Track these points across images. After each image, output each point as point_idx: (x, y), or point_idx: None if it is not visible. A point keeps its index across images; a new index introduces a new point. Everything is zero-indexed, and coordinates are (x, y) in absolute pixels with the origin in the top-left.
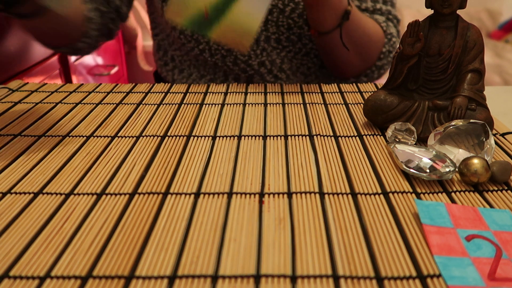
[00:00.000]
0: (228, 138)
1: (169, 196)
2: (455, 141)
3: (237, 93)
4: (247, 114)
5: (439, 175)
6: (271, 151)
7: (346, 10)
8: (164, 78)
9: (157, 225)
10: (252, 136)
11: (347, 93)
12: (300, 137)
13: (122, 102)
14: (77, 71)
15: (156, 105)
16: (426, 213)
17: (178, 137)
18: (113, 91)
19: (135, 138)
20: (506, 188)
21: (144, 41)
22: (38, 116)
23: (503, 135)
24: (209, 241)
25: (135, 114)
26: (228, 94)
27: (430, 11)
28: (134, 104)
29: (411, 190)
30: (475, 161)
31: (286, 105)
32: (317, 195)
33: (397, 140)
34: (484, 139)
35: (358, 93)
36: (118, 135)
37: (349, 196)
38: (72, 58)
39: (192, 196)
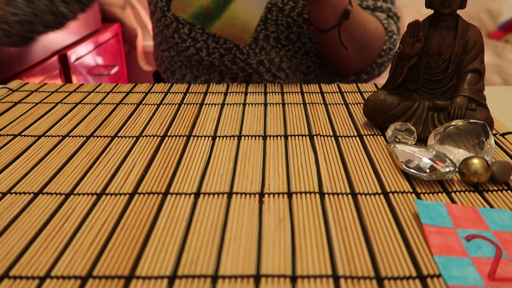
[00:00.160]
0: (228, 138)
1: (169, 196)
2: (455, 141)
3: (237, 93)
4: (247, 114)
5: (439, 175)
6: (271, 151)
7: (346, 9)
8: (162, 79)
9: (157, 225)
10: (252, 136)
11: (347, 93)
12: (300, 137)
13: (122, 102)
14: (77, 71)
15: (156, 105)
16: (426, 213)
17: (178, 137)
18: (113, 91)
19: (135, 138)
20: (506, 188)
21: (144, 41)
22: (38, 116)
23: (503, 135)
24: (209, 241)
25: (135, 114)
26: (228, 94)
27: (430, 11)
28: (134, 104)
29: (411, 190)
30: (475, 161)
31: (286, 105)
32: (317, 195)
33: (397, 140)
34: (484, 139)
35: (358, 93)
36: (118, 135)
37: (349, 196)
38: (72, 58)
39: (192, 196)
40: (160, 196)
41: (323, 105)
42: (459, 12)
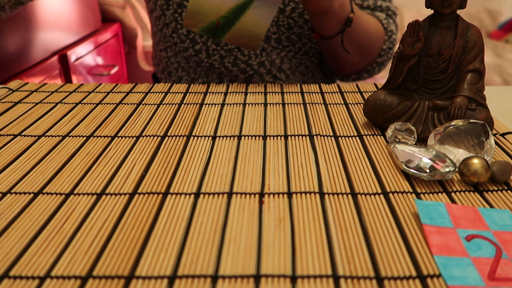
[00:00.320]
0: (228, 138)
1: (169, 196)
2: (455, 141)
3: (237, 93)
4: (247, 114)
5: (439, 175)
6: (271, 151)
7: (348, 17)
8: (160, 80)
9: (157, 225)
10: (252, 136)
11: (347, 93)
12: (300, 137)
13: (122, 102)
14: (77, 71)
15: (156, 105)
16: (426, 213)
17: (178, 137)
18: (113, 91)
19: (135, 138)
20: (506, 188)
21: (144, 41)
22: (38, 116)
23: (503, 135)
24: (209, 241)
25: (135, 114)
26: (228, 94)
27: (430, 11)
28: (134, 104)
29: (411, 190)
30: (475, 161)
31: (286, 105)
32: (317, 195)
33: (397, 140)
34: (484, 139)
35: (358, 93)
36: (118, 135)
37: (349, 196)
38: (72, 58)
39: (192, 196)
40: (160, 196)
41: (323, 105)
42: (459, 12)
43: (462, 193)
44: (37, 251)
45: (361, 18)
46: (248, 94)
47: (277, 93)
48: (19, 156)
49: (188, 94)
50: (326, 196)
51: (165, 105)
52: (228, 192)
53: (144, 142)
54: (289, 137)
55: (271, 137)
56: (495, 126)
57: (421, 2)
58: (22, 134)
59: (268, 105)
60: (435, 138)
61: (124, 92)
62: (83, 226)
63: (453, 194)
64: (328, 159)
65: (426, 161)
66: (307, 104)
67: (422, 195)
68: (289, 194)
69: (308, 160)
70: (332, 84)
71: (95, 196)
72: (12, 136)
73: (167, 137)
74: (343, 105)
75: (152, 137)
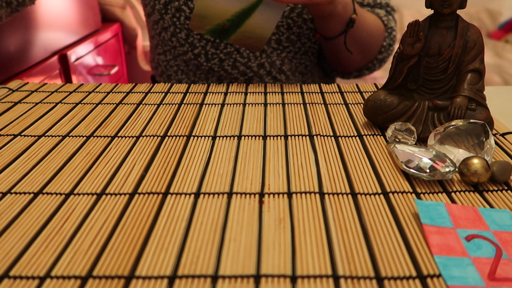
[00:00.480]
0: (228, 138)
1: (169, 196)
2: (455, 141)
3: (237, 93)
4: (247, 114)
5: (439, 175)
6: (271, 151)
7: (351, 18)
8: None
9: (157, 225)
10: (252, 136)
11: (347, 93)
12: (300, 137)
13: (122, 102)
14: (77, 71)
15: (156, 105)
16: (426, 213)
17: (178, 137)
18: (113, 91)
19: (135, 138)
20: (506, 188)
21: (144, 41)
22: (38, 116)
23: (503, 135)
24: (209, 241)
25: (135, 114)
26: (228, 94)
27: (430, 11)
28: (134, 104)
29: (411, 190)
30: (475, 161)
31: (286, 105)
32: (317, 195)
33: (397, 140)
34: (484, 139)
35: (358, 93)
36: (118, 135)
37: (349, 196)
38: (72, 58)
39: (192, 196)
40: (160, 196)
41: (323, 105)
42: (459, 12)
43: (462, 193)
44: (37, 251)
45: (363, 17)
46: (248, 94)
47: (277, 93)
48: (19, 156)
49: (188, 94)
50: (326, 196)
51: (165, 105)
52: (228, 192)
53: (144, 142)
54: (289, 137)
55: (271, 137)
56: (495, 126)
57: (421, 2)
58: (22, 134)
59: (268, 105)
60: (435, 138)
61: (124, 92)
62: (83, 226)
63: (453, 194)
64: (328, 159)
65: (426, 161)
66: (307, 104)
67: (422, 195)
68: (289, 194)
69: (308, 160)
70: (332, 84)
71: (95, 196)
72: (12, 136)
73: (167, 137)
74: (343, 105)
75: (152, 137)
